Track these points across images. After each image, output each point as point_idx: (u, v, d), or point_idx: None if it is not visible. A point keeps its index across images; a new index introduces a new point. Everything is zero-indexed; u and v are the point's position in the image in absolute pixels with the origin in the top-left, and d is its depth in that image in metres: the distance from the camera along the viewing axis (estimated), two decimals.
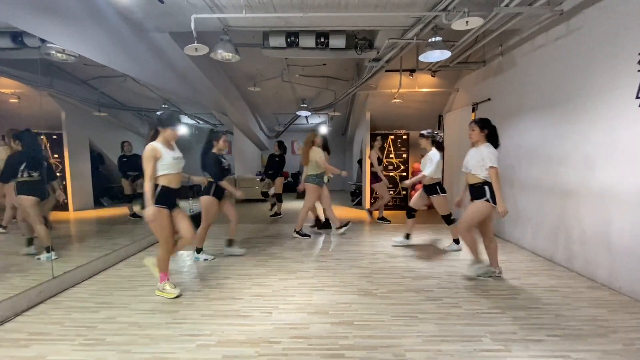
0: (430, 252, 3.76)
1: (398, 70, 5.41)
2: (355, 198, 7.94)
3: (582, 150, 3.03)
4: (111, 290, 2.74)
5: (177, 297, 2.55)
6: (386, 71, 5.47)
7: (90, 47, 3.54)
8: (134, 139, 8.98)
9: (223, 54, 3.83)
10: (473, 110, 5.16)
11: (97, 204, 7.36)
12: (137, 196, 5.92)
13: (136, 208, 5.69)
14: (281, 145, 6.39)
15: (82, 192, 7.13)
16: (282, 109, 8.46)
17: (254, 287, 2.77)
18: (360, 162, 7.69)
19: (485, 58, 4.77)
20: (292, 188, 9.94)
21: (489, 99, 4.65)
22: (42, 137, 6.93)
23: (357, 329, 2.10)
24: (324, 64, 5.82)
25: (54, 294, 2.62)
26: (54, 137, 6.99)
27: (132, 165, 6.03)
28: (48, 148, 7.19)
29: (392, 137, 6.66)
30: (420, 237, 4.37)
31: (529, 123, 3.83)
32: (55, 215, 6.33)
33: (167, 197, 2.55)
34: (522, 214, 3.92)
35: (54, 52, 3.83)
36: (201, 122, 9.74)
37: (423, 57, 3.81)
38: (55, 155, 7.14)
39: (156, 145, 2.51)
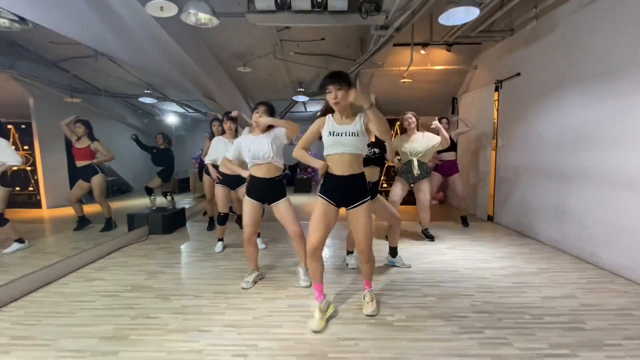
0: (452, 258, 3.08)
1: (408, 44, 4.66)
2: None
3: None
4: (41, 316, 2.07)
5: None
6: (395, 45, 4.74)
7: (32, 7, 2.83)
8: (117, 128, 8.25)
9: (198, 15, 3.10)
10: (496, 89, 4.43)
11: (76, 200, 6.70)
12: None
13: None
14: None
15: (56, 187, 6.43)
16: (277, 94, 7.70)
17: (228, 311, 2.10)
18: None
19: (513, 26, 4.01)
20: (290, 181, 9.27)
21: (518, 74, 3.92)
22: (9, 126, 6.24)
23: None
24: (323, 39, 5.07)
25: None
26: (22, 126, 6.28)
27: (159, 159, 5.48)
28: (17, 139, 6.51)
29: (399, 122, 5.92)
30: (437, 239, 3.68)
31: (575, 99, 3.11)
32: (26, 213, 5.66)
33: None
34: (564, 211, 3.22)
35: None
36: (190, 110, 9.01)
37: (444, 19, 3.08)
38: (25, 147, 6.45)
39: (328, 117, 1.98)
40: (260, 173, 2.37)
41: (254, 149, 2.33)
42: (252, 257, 2.51)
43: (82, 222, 4.23)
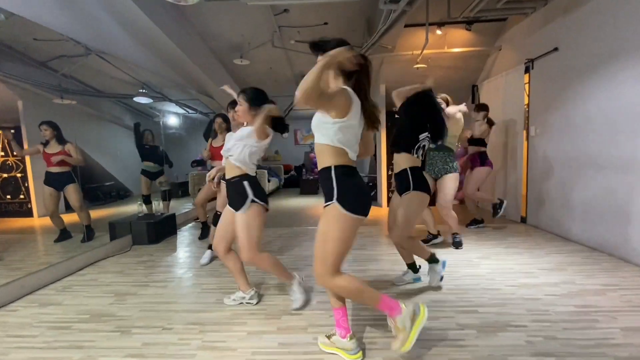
0: (487, 271, 2.50)
1: (422, 25, 4.11)
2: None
3: None
4: None
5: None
6: (406, 26, 4.20)
7: None
8: (115, 131, 7.90)
9: None
10: (527, 70, 3.82)
11: (70, 207, 6.35)
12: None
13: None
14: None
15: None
16: (279, 90, 7.20)
17: (200, 352, 1.58)
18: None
19: None
20: (296, 183, 8.79)
21: (556, 49, 3.31)
22: None
23: None
24: (326, 23, 4.57)
25: None
26: (12, 131, 5.97)
27: (150, 153, 4.85)
28: (6, 144, 6.20)
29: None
30: (464, 246, 3.10)
31: (633, 72, 2.50)
32: (17, 222, 5.32)
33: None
34: (625, 210, 2.61)
35: None
36: (190, 111, 8.62)
37: None
38: (15, 153, 6.13)
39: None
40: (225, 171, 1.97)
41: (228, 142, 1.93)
42: (233, 272, 2.05)
43: (65, 233, 3.81)
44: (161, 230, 3.74)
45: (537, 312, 1.85)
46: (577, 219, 3.12)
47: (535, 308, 1.89)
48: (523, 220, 3.98)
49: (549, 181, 3.53)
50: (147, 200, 4.77)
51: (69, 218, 3.98)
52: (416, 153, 2.04)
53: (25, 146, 5.84)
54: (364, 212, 1.38)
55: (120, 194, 7.37)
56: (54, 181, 3.61)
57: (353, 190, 1.36)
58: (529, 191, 3.88)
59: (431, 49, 4.35)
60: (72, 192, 3.58)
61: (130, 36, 3.95)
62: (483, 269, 2.51)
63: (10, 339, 1.77)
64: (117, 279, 2.61)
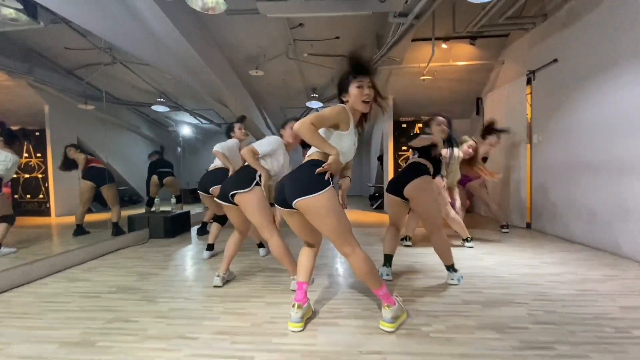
0: (491, 263, 2.60)
1: (429, 39, 4.38)
2: (375, 202, 6.82)
3: None
4: (5, 317, 1.74)
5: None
6: (414, 40, 4.47)
7: None
8: (132, 138, 8.22)
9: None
10: (529, 81, 4.03)
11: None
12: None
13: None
14: None
15: (67, 195, 6.32)
16: (290, 101, 7.53)
17: (223, 316, 1.71)
18: (380, 159, 6.61)
19: (546, 10, 3.67)
20: None
21: (555, 60, 3.52)
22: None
23: None
24: (337, 37, 4.86)
25: None
26: (37, 134, 6.28)
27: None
28: (30, 147, 6.50)
29: (420, 125, 5.57)
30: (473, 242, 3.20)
31: (631, 77, 2.68)
32: (35, 221, 5.55)
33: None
34: (626, 210, 2.71)
35: None
36: (204, 121, 8.95)
37: None
38: (38, 155, 6.41)
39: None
40: None
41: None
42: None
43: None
44: (177, 225, 3.90)
45: (538, 293, 1.95)
46: (580, 221, 3.22)
47: (536, 291, 1.99)
48: (528, 226, 4.07)
49: (553, 186, 3.65)
50: (151, 203, 4.89)
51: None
52: None
53: (49, 148, 6.14)
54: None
55: (133, 199, 7.59)
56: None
57: None
58: (533, 197, 3.99)
59: (437, 62, 4.60)
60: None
61: (154, 39, 4.20)
62: (487, 262, 2.61)
63: (46, 304, 1.91)
64: (138, 262, 2.76)
